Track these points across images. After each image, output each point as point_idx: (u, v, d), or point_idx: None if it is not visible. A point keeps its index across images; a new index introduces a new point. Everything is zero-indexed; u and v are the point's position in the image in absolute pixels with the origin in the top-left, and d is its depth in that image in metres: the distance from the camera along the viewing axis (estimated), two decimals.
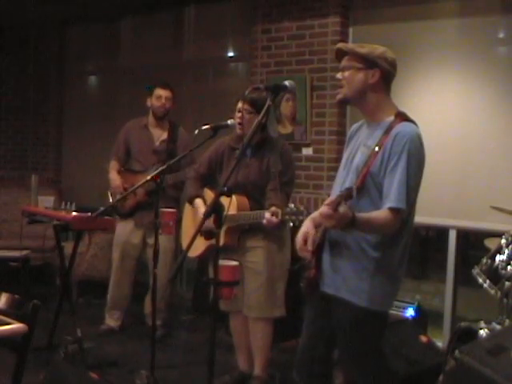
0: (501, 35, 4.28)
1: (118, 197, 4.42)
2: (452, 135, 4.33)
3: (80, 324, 4.01)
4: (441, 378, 3.18)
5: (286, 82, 2.59)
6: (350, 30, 4.80)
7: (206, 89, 5.95)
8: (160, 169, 3.57)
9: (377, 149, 2.36)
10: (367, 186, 2.36)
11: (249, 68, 5.38)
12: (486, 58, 4.22)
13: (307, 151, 4.89)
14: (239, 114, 3.52)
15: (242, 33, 5.56)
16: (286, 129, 4.94)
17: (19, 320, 2.12)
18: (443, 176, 4.32)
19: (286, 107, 4.95)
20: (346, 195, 2.16)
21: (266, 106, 2.54)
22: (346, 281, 2.41)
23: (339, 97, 2.50)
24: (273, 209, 3.15)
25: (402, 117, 2.42)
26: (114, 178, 4.59)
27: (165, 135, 4.58)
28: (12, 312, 2.19)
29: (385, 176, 2.33)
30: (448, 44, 4.36)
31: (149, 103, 4.54)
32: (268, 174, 3.46)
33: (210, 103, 5.84)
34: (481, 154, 4.22)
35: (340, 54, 2.51)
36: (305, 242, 2.47)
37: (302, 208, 2.95)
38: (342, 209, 2.14)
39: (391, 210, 2.29)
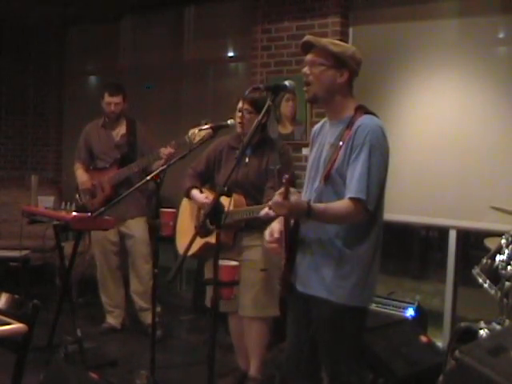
0: (501, 35, 4.27)
1: (88, 193, 4.62)
2: (452, 135, 4.33)
3: (80, 324, 4.01)
4: (441, 378, 3.18)
5: (286, 82, 2.58)
6: (350, 29, 4.79)
7: (205, 89, 5.95)
8: (160, 169, 3.56)
9: (340, 143, 2.36)
10: (333, 180, 2.37)
11: (249, 68, 5.37)
12: (486, 58, 4.22)
13: (307, 151, 4.87)
14: (239, 114, 3.52)
15: (242, 33, 5.56)
16: (286, 129, 4.94)
17: (19, 320, 2.11)
18: (443, 176, 4.32)
19: (285, 107, 4.95)
20: (287, 182, 2.17)
21: (266, 106, 2.54)
22: (321, 279, 2.41)
23: (308, 96, 2.47)
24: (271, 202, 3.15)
25: (362, 110, 2.42)
26: (81, 174, 4.71)
27: (123, 130, 4.69)
28: (12, 312, 2.19)
29: (348, 168, 2.34)
30: (448, 44, 4.36)
31: (103, 105, 4.63)
32: (267, 172, 3.48)
33: (210, 103, 5.84)
34: (481, 154, 4.21)
35: (306, 47, 2.47)
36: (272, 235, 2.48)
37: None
38: (294, 198, 2.18)
39: (351, 200, 2.30)
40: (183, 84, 6.05)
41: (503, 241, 3.30)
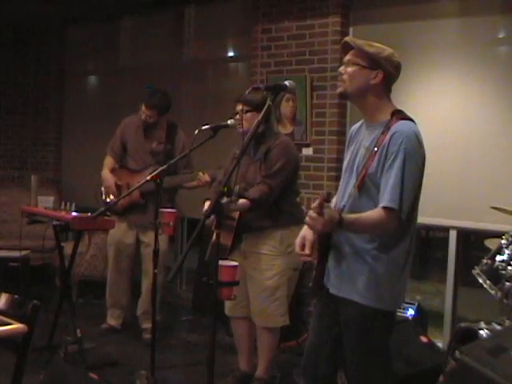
0: (501, 35, 4.27)
1: (112, 195, 4.44)
2: (452, 135, 4.33)
3: (80, 324, 4.01)
4: (441, 378, 3.18)
5: (286, 82, 2.58)
6: (350, 29, 4.79)
7: (205, 89, 5.95)
8: (160, 169, 3.56)
9: (375, 149, 2.36)
10: (366, 187, 2.37)
11: (249, 68, 5.37)
12: (486, 58, 4.22)
13: (307, 151, 4.88)
14: (237, 116, 3.53)
15: (241, 33, 5.56)
16: (286, 129, 4.93)
17: (19, 320, 2.11)
18: (443, 176, 4.32)
19: (286, 107, 4.94)
20: (324, 199, 2.17)
21: (266, 105, 2.54)
22: (352, 282, 2.41)
23: (339, 90, 2.48)
24: None
25: (399, 115, 2.41)
26: (107, 177, 4.53)
27: (162, 135, 4.53)
28: (12, 312, 2.19)
29: (382, 176, 2.34)
30: (448, 44, 4.36)
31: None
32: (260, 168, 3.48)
33: (210, 103, 5.84)
34: (481, 154, 4.21)
35: (346, 48, 2.49)
36: (303, 246, 2.51)
37: (235, 188, 3.09)
38: (328, 212, 2.17)
39: (385, 209, 2.29)
40: (183, 84, 6.05)
41: (503, 241, 3.30)
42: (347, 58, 2.47)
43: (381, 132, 2.38)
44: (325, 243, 2.46)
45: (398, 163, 2.30)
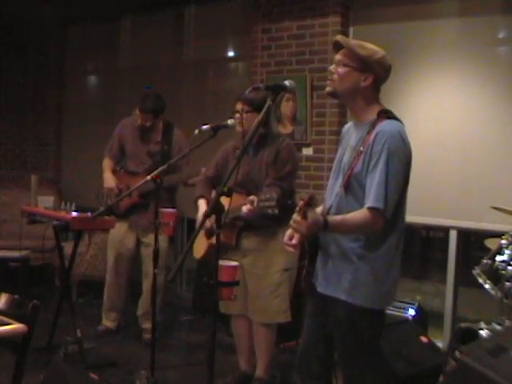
0: (501, 35, 4.27)
1: (114, 197, 4.41)
2: (452, 135, 4.33)
3: (80, 324, 4.01)
4: (441, 378, 3.18)
5: (286, 82, 2.58)
6: (351, 29, 4.79)
7: (205, 89, 5.95)
8: (160, 169, 3.56)
9: (361, 149, 2.36)
10: (352, 187, 2.38)
11: (249, 68, 5.37)
12: (486, 58, 4.22)
13: (307, 151, 4.89)
14: (237, 115, 3.53)
15: (242, 33, 5.56)
16: (287, 129, 4.93)
17: (19, 320, 2.11)
18: (443, 176, 4.32)
19: (286, 107, 4.94)
20: (307, 202, 2.18)
21: (266, 105, 2.53)
22: (340, 281, 2.41)
23: (328, 89, 2.47)
24: (250, 197, 3.16)
25: (385, 115, 2.41)
26: (109, 178, 4.53)
27: (159, 136, 4.52)
28: (12, 312, 2.19)
29: (367, 176, 2.34)
30: (448, 44, 4.36)
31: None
32: (266, 170, 3.48)
33: (210, 103, 5.84)
34: (481, 154, 4.21)
35: (338, 47, 2.47)
36: (291, 238, 2.53)
37: (273, 194, 3.02)
38: (311, 215, 2.18)
39: (370, 209, 2.30)
40: (183, 84, 6.05)
41: (503, 241, 3.29)
42: (338, 57, 2.45)
43: (366, 132, 2.38)
44: (313, 244, 2.47)
45: (381, 163, 2.30)
